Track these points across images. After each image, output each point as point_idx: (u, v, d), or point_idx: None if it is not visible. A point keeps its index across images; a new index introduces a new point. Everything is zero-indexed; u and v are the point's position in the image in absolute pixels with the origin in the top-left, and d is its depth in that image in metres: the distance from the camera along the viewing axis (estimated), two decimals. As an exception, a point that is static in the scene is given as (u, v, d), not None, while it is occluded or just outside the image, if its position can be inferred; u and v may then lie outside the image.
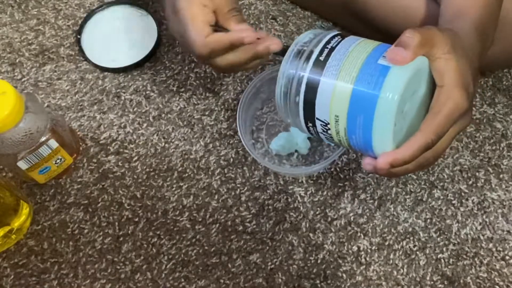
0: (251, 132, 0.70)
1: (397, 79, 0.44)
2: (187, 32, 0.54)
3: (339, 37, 0.49)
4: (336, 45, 0.48)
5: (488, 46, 0.54)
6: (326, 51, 0.47)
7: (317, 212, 0.65)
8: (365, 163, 0.47)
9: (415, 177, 0.67)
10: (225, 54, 0.55)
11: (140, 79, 0.74)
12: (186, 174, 0.68)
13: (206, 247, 0.64)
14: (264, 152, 0.69)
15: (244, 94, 0.65)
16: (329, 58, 0.47)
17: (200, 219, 0.65)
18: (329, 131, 0.48)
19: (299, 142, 0.67)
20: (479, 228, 0.64)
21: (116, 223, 0.65)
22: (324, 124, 0.48)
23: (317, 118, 0.48)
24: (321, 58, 0.47)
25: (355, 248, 0.63)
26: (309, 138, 0.68)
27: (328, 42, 0.48)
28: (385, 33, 0.68)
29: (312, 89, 0.47)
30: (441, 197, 0.66)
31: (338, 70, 0.46)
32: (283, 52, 0.55)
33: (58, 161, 0.64)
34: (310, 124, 0.49)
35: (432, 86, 0.46)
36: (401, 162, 0.45)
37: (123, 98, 0.72)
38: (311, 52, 0.48)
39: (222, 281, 0.62)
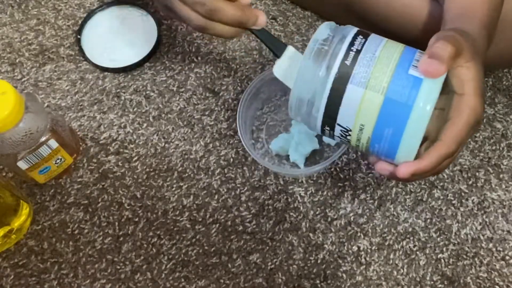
0: (251, 132, 0.70)
1: (430, 91, 0.43)
2: None
3: (361, 37, 0.47)
4: (361, 48, 0.46)
5: (490, 45, 0.54)
6: (352, 54, 0.45)
7: (317, 212, 0.65)
8: (381, 168, 0.47)
9: (415, 177, 0.67)
10: (215, 1, 0.50)
11: (140, 79, 0.74)
12: (186, 174, 0.68)
13: (206, 247, 0.64)
14: (264, 152, 0.69)
15: (244, 94, 0.65)
16: (356, 64, 0.45)
17: (200, 219, 0.65)
18: (348, 137, 0.47)
19: (297, 158, 0.66)
20: (479, 228, 0.64)
21: (116, 223, 0.65)
22: (345, 130, 0.47)
23: (338, 124, 0.46)
24: (347, 63, 0.45)
25: (355, 248, 0.63)
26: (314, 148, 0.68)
27: (352, 44, 0.46)
28: (386, 32, 0.68)
29: (336, 96, 0.45)
30: (441, 197, 0.66)
31: (367, 78, 0.44)
32: (260, 33, 0.54)
33: (58, 161, 0.64)
34: (327, 128, 0.48)
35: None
36: (422, 172, 0.45)
37: (123, 98, 0.72)
38: (335, 54, 0.46)
39: (222, 281, 0.62)
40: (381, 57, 0.45)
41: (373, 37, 0.47)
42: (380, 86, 0.44)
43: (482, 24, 0.51)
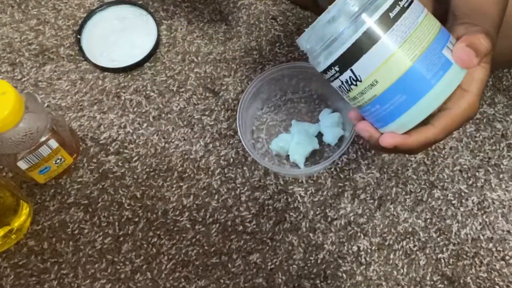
0: (251, 132, 0.70)
1: (454, 78, 0.44)
2: None
3: None
4: (408, 6, 0.44)
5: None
6: (397, 9, 0.43)
7: (317, 212, 0.65)
8: (363, 128, 0.47)
9: (415, 177, 0.67)
10: None
11: (140, 79, 0.74)
12: (186, 174, 0.68)
13: (206, 247, 0.64)
14: (264, 152, 0.69)
15: (244, 94, 0.65)
16: (398, 20, 0.43)
17: (200, 219, 0.65)
18: (352, 86, 0.45)
19: (296, 158, 0.66)
20: (479, 228, 0.64)
21: (116, 223, 0.65)
22: (355, 79, 0.45)
23: (351, 70, 0.44)
24: (391, 15, 0.43)
25: (355, 248, 0.63)
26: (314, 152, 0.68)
27: None
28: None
29: (367, 41, 0.43)
30: (441, 197, 0.66)
31: (404, 38, 0.43)
32: None
33: (58, 161, 0.64)
34: (335, 68, 0.45)
35: None
36: (406, 147, 0.45)
37: (123, 98, 0.72)
38: (382, 2, 0.43)
39: (222, 281, 0.62)
40: (422, 25, 0.44)
41: (417, 3, 0.46)
42: (412, 53, 0.43)
43: (494, 23, 0.51)
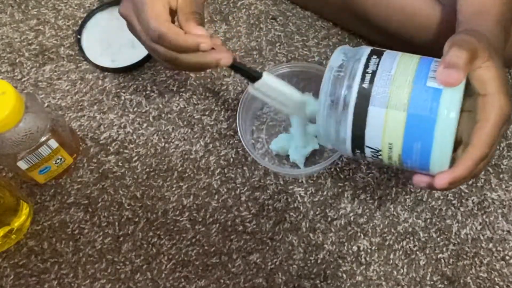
0: (251, 132, 0.70)
1: (452, 99, 0.43)
2: (145, 8, 0.52)
3: (375, 56, 0.47)
4: (376, 68, 0.46)
5: (508, 41, 0.54)
6: (368, 77, 0.46)
7: (317, 212, 0.65)
8: (418, 181, 0.47)
9: (415, 177, 0.67)
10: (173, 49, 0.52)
11: (140, 79, 0.74)
12: (186, 174, 0.68)
13: (206, 247, 0.64)
14: (264, 152, 0.69)
15: (244, 94, 0.65)
16: (373, 85, 0.45)
17: (200, 219, 0.65)
18: (379, 156, 0.47)
19: (296, 158, 0.66)
20: (479, 228, 0.64)
21: (116, 223, 0.65)
22: (375, 151, 0.47)
23: (367, 146, 0.47)
24: (365, 86, 0.45)
25: (355, 248, 0.63)
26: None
27: (366, 66, 0.46)
28: (385, 33, 0.68)
29: (360, 120, 0.46)
30: (441, 197, 0.66)
31: (387, 97, 0.45)
32: (232, 67, 0.54)
33: (58, 161, 0.64)
34: (358, 151, 0.48)
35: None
36: (459, 180, 0.45)
37: (123, 98, 0.72)
38: (351, 80, 0.46)
39: (222, 281, 0.62)
40: (397, 75, 0.45)
41: (388, 54, 0.47)
42: (401, 104, 0.44)
43: (497, 19, 0.51)
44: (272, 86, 0.56)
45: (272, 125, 0.70)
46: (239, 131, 0.63)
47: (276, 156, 0.68)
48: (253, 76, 0.56)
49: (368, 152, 0.48)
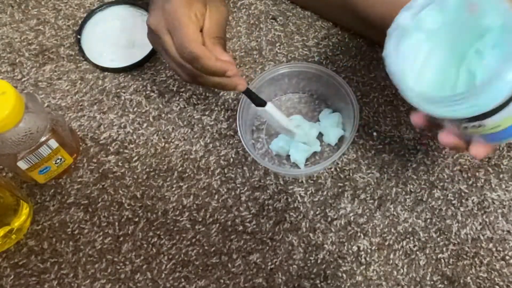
0: (251, 132, 0.70)
1: None
2: (182, 29, 0.56)
3: None
4: None
5: None
6: None
7: (317, 212, 0.65)
8: (478, 149, 0.48)
9: (415, 177, 0.67)
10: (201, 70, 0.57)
11: (140, 79, 0.74)
12: (186, 174, 0.68)
13: (206, 247, 0.64)
14: (264, 152, 0.69)
15: (243, 97, 0.65)
16: None
17: (200, 219, 0.65)
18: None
19: (297, 159, 0.67)
20: (479, 228, 0.64)
21: (116, 223, 0.65)
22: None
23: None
24: None
25: (355, 248, 0.63)
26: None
27: None
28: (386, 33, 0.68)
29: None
30: (441, 197, 0.66)
31: None
32: (245, 92, 0.61)
33: (58, 161, 0.64)
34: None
35: None
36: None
37: (123, 98, 0.72)
38: None
39: (222, 281, 0.62)
40: None
41: None
42: None
43: None
44: (272, 114, 0.63)
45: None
46: (239, 131, 0.63)
47: (276, 156, 0.68)
48: (258, 103, 0.62)
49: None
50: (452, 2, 0.48)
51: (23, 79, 0.74)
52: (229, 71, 0.57)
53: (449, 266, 0.62)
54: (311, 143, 0.67)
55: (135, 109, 0.72)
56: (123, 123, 0.71)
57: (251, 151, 0.62)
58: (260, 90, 0.67)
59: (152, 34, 0.59)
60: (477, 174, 0.67)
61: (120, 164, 0.68)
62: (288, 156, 0.67)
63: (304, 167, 0.67)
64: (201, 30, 0.58)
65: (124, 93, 0.73)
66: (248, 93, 0.62)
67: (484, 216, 0.65)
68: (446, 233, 0.64)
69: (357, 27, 0.74)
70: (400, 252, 0.63)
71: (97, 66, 0.74)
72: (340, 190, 0.66)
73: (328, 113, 0.69)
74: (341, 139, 0.68)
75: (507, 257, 0.63)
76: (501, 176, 0.67)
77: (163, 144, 0.69)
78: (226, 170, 0.68)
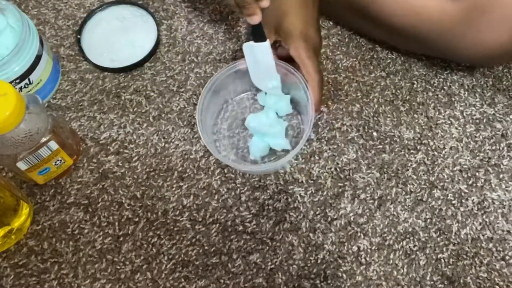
0: (213, 126, 0.69)
1: None
2: None
3: None
4: None
5: None
6: None
7: (317, 212, 0.65)
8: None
9: (415, 177, 0.67)
10: None
11: (140, 79, 0.74)
12: (186, 174, 0.68)
13: (206, 247, 0.64)
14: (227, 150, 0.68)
15: (203, 93, 0.64)
16: None
17: (200, 219, 0.65)
18: None
19: (257, 156, 0.67)
20: (479, 228, 0.64)
21: (116, 223, 0.65)
22: None
23: None
24: None
25: (355, 248, 0.63)
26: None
27: None
28: (389, 29, 0.67)
29: None
30: (441, 197, 0.66)
31: None
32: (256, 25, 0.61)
33: (58, 162, 0.64)
34: None
35: None
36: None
37: (123, 98, 0.72)
38: None
39: (222, 281, 0.62)
40: None
41: None
42: None
43: None
44: (264, 53, 0.63)
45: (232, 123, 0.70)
46: (199, 130, 0.62)
47: (239, 151, 0.68)
48: (260, 36, 0.62)
49: None
50: None
51: (23, 79, 0.74)
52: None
53: (449, 266, 0.62)
54: (284, 110, 0.68)
55: (135, 109, 0.72)
56: (123, 123, 0.71)
57: (212, 150, 0.62)
58: (221, 87, 0.67)
59: None
60: (477, 174, 0.67)
61: (120, 164, 0.68)
62: (270, 153, 0.67)
63: (262, 163, 0.67)
64: None
65: (124, 93, 0.73)
66: (258, 26, 0.62)
67: (484, 216, 0.65)
68: (446, 233, 0.64)
69: (360, 24, 0.73)
70: (400, 252, 0.63)
71: (97, 66, 0.74)
72: (340, 190, 0.66)
73: (264, 94, 0.68)
74: (299, 135, 0.68)
75: (507, 257, 0.63)
76: (501, 176, 0.67)
77: (163, 144, 0.69)
78: (226, 170, 0.68)
